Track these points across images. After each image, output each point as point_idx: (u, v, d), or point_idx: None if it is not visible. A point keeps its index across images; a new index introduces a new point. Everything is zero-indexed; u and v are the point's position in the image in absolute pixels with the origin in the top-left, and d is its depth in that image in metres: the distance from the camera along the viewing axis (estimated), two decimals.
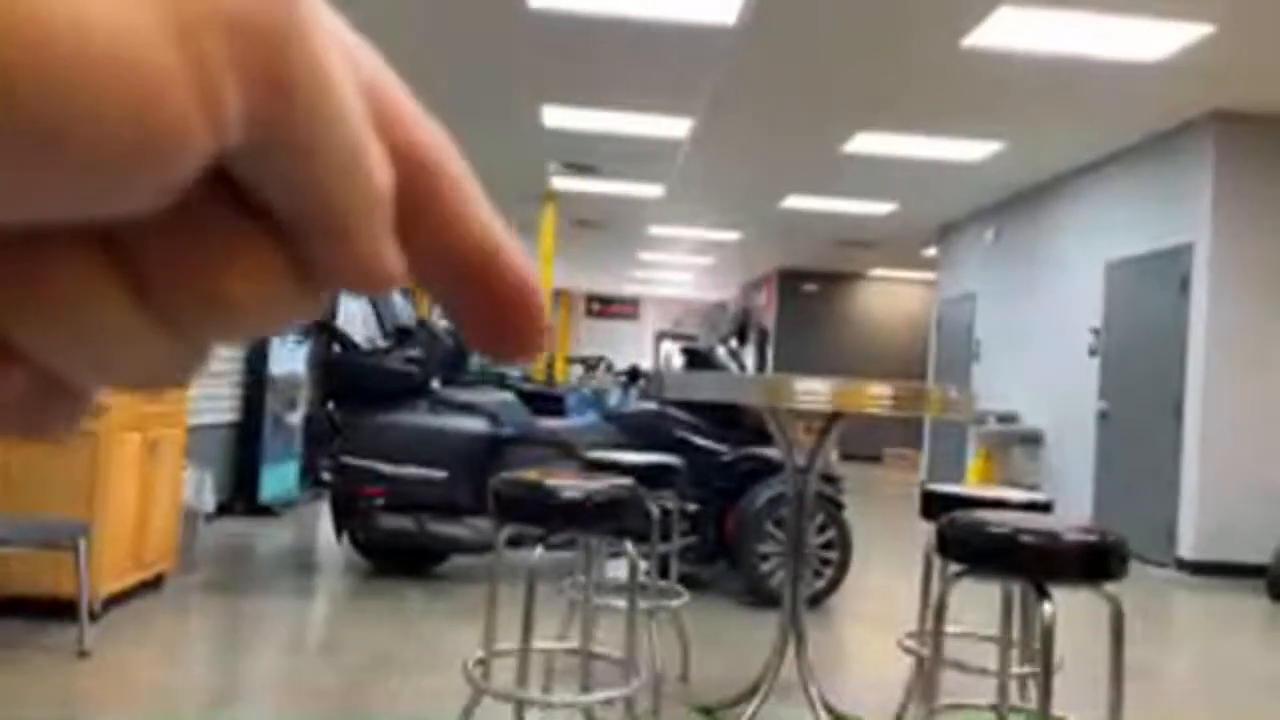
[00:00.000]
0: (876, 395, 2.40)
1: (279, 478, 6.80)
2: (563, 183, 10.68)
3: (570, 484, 2.26)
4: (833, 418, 2.76)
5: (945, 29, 5.64)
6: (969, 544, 2.03)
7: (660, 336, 19.21)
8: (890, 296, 17.24)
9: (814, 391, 2.42)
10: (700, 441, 4.99)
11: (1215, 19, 5.23)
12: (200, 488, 4.74)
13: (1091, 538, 1.95)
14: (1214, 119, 6.82)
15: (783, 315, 17.07)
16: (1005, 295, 10.06)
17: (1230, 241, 6.83)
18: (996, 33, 5.60)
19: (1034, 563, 1.94)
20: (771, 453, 4.97)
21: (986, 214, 10.61)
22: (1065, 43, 5.70)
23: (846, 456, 15.50)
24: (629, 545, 2.38)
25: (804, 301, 17.07)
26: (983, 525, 2.02)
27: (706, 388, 2.64)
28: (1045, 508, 2.66)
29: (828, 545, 4.82)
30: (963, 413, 2.53)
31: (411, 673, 3.37)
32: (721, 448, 5.00)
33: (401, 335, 5.13)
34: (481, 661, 2.43)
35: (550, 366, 13.55)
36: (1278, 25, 5.29)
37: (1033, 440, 9.00)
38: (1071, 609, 5.31)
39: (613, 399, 6.09)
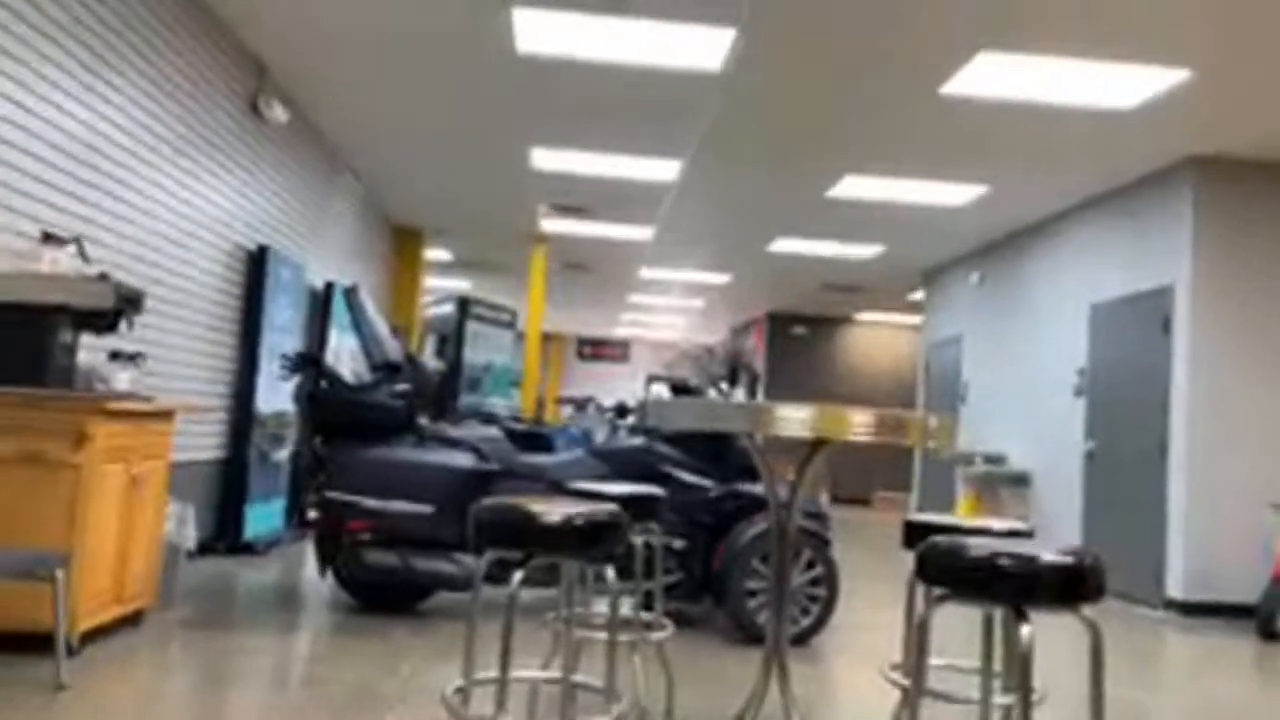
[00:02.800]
0: (858, 422, 2.42)
1: (264, 516, 6.75)
2: (553, 225, 10.78)
3: (550, 509, 2.26)
4: (816, 446, 2.77)
5: (923, 77, 5.76)
6: (948, 568, 2.03)
7: (651, 380, 19.24)
8: (878, 340, 17.35)
9: (796, 418, 2.44)
10: (687, 477, 4.98)
11: (1192, 64, 5.37)
12: (183, 523, 4.70)
13: (1069, 560, 1.96)
14: (1191, 164, 6.95)
15: (772, 358, 17.14)
16: (991, 338, 10.13)
17: (1210, 283, 6.92)
18: (974, 81, 5.72)
19: (1012, 585, 1.94)
20: (758, 489, 4.97)
21: (971, 257, 10.73)
22: (1043, 91, 5.82)
23: (836, 499, 15.48)
24: (610, 571, 2.37)
25: (793, 344, 17.16)
26: (961, 549, 2.03)
27: (689, 415, 2.66)
28: (1026, 536, 2.67)
29: (814, 582, 4.80)
30: (942, 441, 2.55)
31: (393, 706, 3.33)
32: (708, 484, 4.99)
33: (389, 371, 5.14)
34: (460, 690, 2.40)
35: (540, 407, 13.55)
36: (1253, 71, 5.42)
37: (1021, 481, 9.00)
38: (1054, 645, 5.28)
39: (600, 436, 6.08)
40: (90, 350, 4.15)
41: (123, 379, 4.13)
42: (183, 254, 5.56)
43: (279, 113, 6.55)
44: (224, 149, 6.00)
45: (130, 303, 3.90)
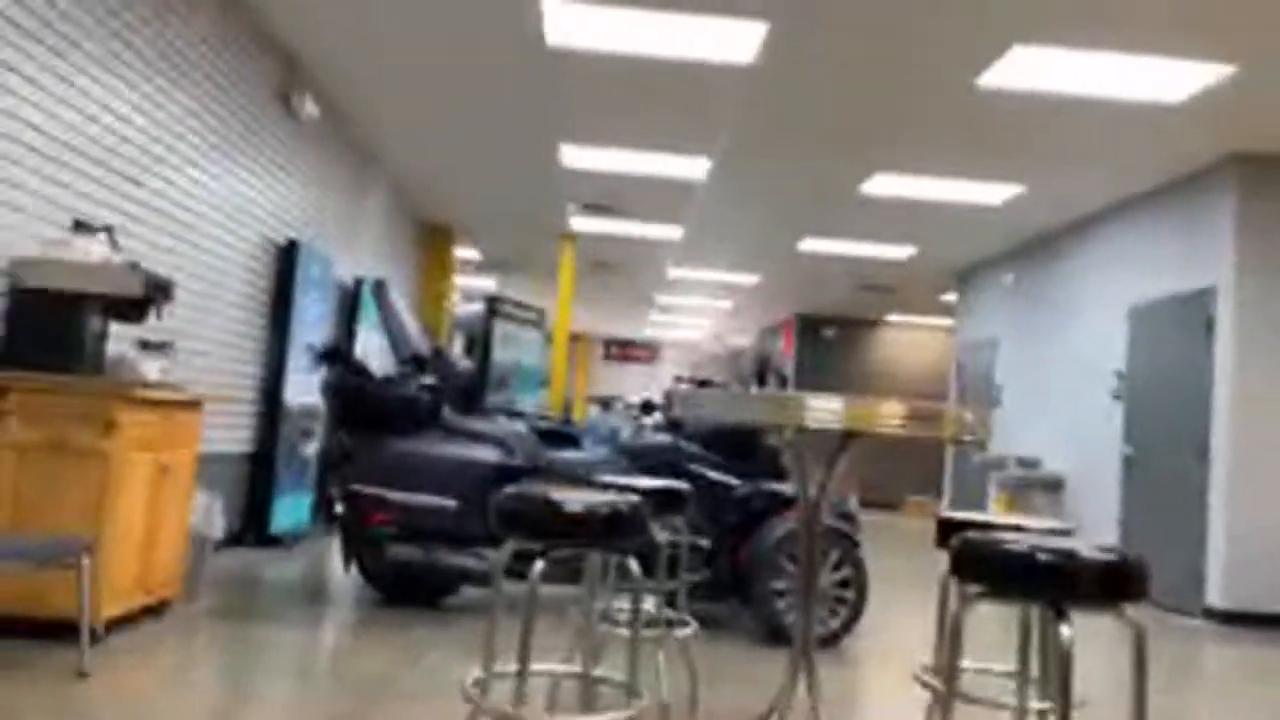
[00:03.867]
0: (890, 414, 2.35)
1: (291, 509, 6.77)
2: (582, 224, 10.75)
3: (573, 498, 2.21)
4: (845, 439, 2.70)
5: (960, 69, 5.66)
6: (985, 564, 1.96)
7: (678, 381, 19.20)
8: (909, 342, 17.16)
9: (825, 409, 2.37)
10: (714, 475, 4.92)
11: (1236, 59, 5.22)
12: (210, 514, 4.71)
13: (1111, 556, 1.88)
14: (1235, 161, 6.78)
15: (802, 360, 17.01)
16: (1026, 340, 9.97)
17: (1254, 283, 6.75)
18: (1011, 73, 5.61)
19: (1051, 582, 1.87)
20: (786, 488, 4.90)
21: (1006, 258, 10.57)
22: (1082, 84, 5.70)
23: (866, 504, 15.30)
24: (633, 564, 2.32)
25: (823, 347, 17.01)
26: (999, 544, 1.95)
27: (718, 406, 2.60)
28: (1064, 535, 2.59)
29: (843, 584, 4.72)
30: (978, 434, 2.47)
31: (414, 699, 3.30)
32: (735, 482, 4.93)
33: (417, 364, 5.12)
34: (479, 682, 2.36)
35: (568, 407, 13.53)
36: None
37: (1054, 486, 8.84)
38: (1090, 652, 5.15)
39: (625, 433, 6.04)
40: (120, 339, 4.16)
41: (152, 368, 4.14)
42: (213, 246, 5.58)
43: (310, 107, 6.57)
44: (255, 143, 6.02)
45: (160, 291, 3.90)
